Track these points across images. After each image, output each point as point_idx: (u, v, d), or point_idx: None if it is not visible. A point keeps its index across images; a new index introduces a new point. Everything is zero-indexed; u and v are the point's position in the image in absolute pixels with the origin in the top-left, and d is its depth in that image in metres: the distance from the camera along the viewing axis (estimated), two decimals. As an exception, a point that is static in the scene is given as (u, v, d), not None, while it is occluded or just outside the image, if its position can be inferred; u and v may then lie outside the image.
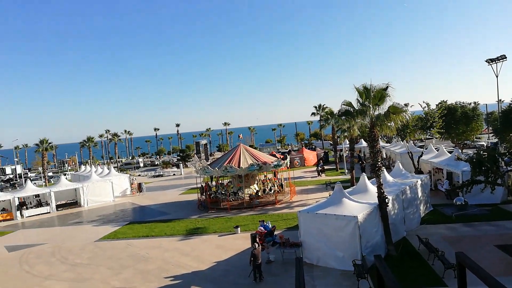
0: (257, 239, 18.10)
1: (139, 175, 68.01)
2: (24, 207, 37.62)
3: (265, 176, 37.73)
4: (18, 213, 36.44)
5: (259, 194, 33.16)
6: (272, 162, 32.33)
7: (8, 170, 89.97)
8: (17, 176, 79.89)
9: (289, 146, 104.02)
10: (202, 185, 35.35)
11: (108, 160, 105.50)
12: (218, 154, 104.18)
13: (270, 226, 20.38)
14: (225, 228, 24.85)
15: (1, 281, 19.00)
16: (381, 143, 48.87)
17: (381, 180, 17.57)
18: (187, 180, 53.74)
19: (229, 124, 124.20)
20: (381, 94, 17.07)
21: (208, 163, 36.27)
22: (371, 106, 17.40)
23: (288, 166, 35.93)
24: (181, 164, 70.15)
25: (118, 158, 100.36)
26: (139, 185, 46.29)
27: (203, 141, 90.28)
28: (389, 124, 17.27)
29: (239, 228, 23.61)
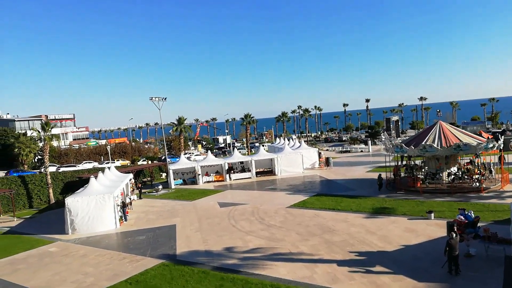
0: (455, 228, 16.04)
1: (327, 150, 70.07)
2: (232, 171, 44.35)
3: (470, 159, 33.03)
4: (227, 176, 43.33)
5: (459, 178, 29.21)
6: (482, 143, 27.86)
7: (220, 139, 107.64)
8: (227, 145, 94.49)
9: (504, 125, 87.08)
10: (397, 164, 33.53)
11: (299, 134, 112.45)
12: (411, 132, 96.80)
13: (472, 216, 17.72)
14: (416, 212, 23.06)
15: (216, 229, 23.12)
16: None
17: None
18: (374, 158, 52.19)
19: (426, 99, 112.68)
20: None
21: (400, 141, 34.08)
22: None
23: (502, 149, 30.13)
24: (369, 141, 68.43)
25: (308, 132, 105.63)
26: (327, 159, 47.71)
27: (394, 117, 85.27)
28: None
29: (432, 214, 21.50)
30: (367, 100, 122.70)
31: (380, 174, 31.53)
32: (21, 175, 39.51)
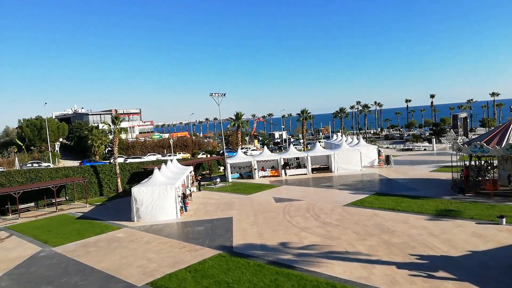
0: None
1: (387, 147, 67.47)
2: (287, 167, 44.39)
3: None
4: (283, 171, 43.45)
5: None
6: None
7: (276, 135, 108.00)
8: (283, 140, 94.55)
9: None
10: (465, 163, 31.24)
11: (358, 131, 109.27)
12: (480, 130, 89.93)
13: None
14: (485, 216, 21.46)
15: (272, 224, 23.35)
16: None
17: None
18: (439, 157, 49.28)
19: (498, 94, 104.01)
20: None
21: (469, 139, 31.72)
22: None
23: None
24: (434, 139, 64.68)
25: (367, 129, 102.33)
26: (387, 157, 45.95)
27: (462, 114, 79.80)
28: None
29: (504, 219, 19.87)
30: (432, 96, 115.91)
31: (461, 176, 29.14)
32: (93, 165, 42.90)
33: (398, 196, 28.23)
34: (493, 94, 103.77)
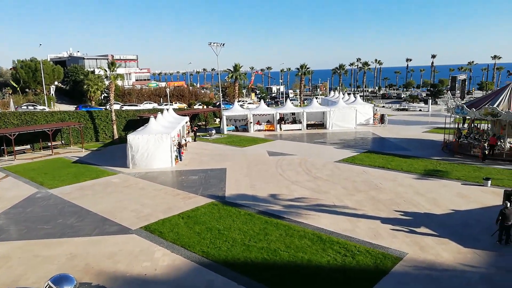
0: (512, 198, 15.30)
1: (383, 107, 67.48)
2: (283, 122, 44.54)
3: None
4: (278, 126, 43.66)
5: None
6: None
7: (274, 89, 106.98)
8: (280, 95, 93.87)
9: None
10: (458, 126, 31.71)
11: (355, 89, 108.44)
12: (477, 93, 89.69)
13: (533, 187, 16.70)
14: (471, 178, 22.11)
15: (264, 176, 23.94)
16: None
17: None
18: (434, 118, 49.65)
19: (500, 58, 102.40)
20: None
21: (463, 102, 31.92)
22: None
23: None
24: (430, 100, 64.68)
25: (365, 87, 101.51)
26: (382, 116, 46.16)
27: (461, 76, 79.24)
28: None
29: (489, 181, 20.52)
30: (433, 56, 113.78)
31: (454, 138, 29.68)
32: (89, 110, 42.70)
33: (389, 155, 28.78)
34: (494, 57, 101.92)
